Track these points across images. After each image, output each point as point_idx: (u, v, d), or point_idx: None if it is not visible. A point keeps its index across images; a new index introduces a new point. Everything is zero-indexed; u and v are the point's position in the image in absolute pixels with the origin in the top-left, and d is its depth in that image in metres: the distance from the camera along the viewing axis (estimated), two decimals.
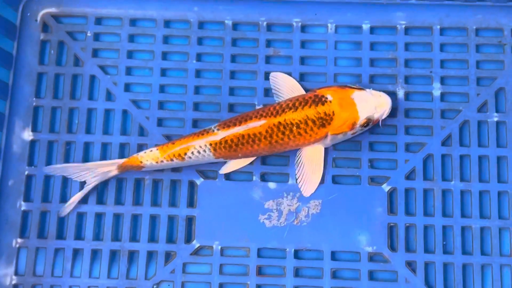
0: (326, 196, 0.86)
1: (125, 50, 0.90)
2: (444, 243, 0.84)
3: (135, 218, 0.86)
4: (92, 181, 0.83)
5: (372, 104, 0.81)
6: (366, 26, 0.90)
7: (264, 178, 0.87)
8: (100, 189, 0.86)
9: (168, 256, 0.85)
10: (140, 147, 0.87)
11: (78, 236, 0.85)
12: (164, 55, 0.90)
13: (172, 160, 0.82)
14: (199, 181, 0.86)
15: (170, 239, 0.85)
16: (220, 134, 0.81)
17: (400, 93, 0.88)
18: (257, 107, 0.88)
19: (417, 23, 0.90)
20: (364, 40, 0.90)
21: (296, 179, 0.85)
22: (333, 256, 0.84)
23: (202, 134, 0.82)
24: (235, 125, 0.81)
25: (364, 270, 0.83)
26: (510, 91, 0.87)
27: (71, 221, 0.85)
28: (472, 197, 0.85)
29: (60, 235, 0.85)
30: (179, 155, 0.82)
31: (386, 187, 0.85)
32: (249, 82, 0.89)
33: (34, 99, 0.89)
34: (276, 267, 0.84)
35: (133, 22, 0.92)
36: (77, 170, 0.83)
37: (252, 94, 0.89)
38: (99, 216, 0.86)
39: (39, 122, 0.88)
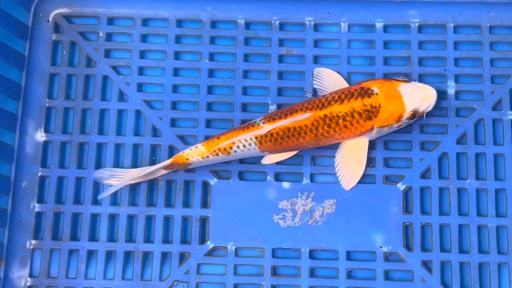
0: (341, 195, 0.85)
1: (137, 50, 0.90)
2: (460, 242, 0.83)
3: (149, 219, 0.85)
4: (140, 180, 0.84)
5: (418, 96, 0.80)
6: (379, 25, 0.90)
7: (278, 177, 0.86)
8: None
9: (182, 257, 0.84)
10: (153, 148, 0.87)
11: (92, 237, 0.85)
12: (177, 55, 0.90)
13: (218, 155, 0.82)
14: (212, 181, 0.86)
15: (184, 240, 0.85)
16: (266, 128, 0.80)
17: None
18: (271, 107, 0.87)
19: (431, 21, 0.90)
20: (377, 39, 0.90)
21: (337, 172, 0.84)
22: (348, 256, 0.84)
23: (248, 128, 0.81)
24: (280, 118, 0.81)
25: (380, 270, 0.83)
26: None
27: (85, 222, 0.85)
28: (488, 196, 0.84)
29: (74, 237, 0.85)
30: (225, 149, 0.81)
31: (401, 186, 0.85)
32: (262, 81, 0.89)
33: (46, 100, 0.88)
34: (291, 267, 0.84)
35: (145, 22, 0.91)
36: (125, 175, 0.83)
37: (266, 93, 0.89)
38: (113, 217, 0.85)
39: (51, 123, 0.88)
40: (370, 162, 0.86)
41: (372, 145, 0.86)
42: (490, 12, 0.90)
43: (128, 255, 0.84)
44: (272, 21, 0.91)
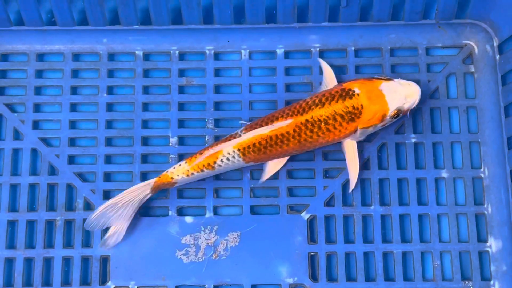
0: (244, 227, 0.83)
1: (32, 86, 0.87)
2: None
3: (47, 261, 0.82)
4: (132, 213, 0.80)
5: (401, 94, 0.79)
6: (280, 51, 0.89)
7: (180, 212, 0.84)
8: (10, 231, 0.83)
9: None
10: (51, 187, 0.84)
11: None
12: (74, 90, 0.88)
13: (202, 170, 0.80)
14: None
15: (85, 281, 0.82)
16: (242, 136, 0.79)
17: None
18: (171, 139, 0.85)
19: (331, 46, 0.89)
20: (278, 65, 0.88)
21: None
22: None
23: (229, 140, 0.79)
24: (261, 126, 0.79)
25: None
26: (427, 111, 0.86)
27: None
28: (392, 221, 0.83)
29: None
30: (209, 164, 0.79)
31: (305, 215, 0.84)
32: (162, 113, 0.87)
33: None
34: None
35: (40, 56, 0.89)
36: (112, 207, 0.79)
37: (166, 125, 0.87)
38: (9, 261, 0.82)
39: None
40: (273, 192, 0.84)
41: (275, 174, 0.85)
42: (390, 34, 0.89)
43: None
44: (171, 51, 0.89)
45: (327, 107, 0.79)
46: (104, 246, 0.81)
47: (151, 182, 0.80)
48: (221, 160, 0.79)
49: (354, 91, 0.79)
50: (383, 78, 0.80)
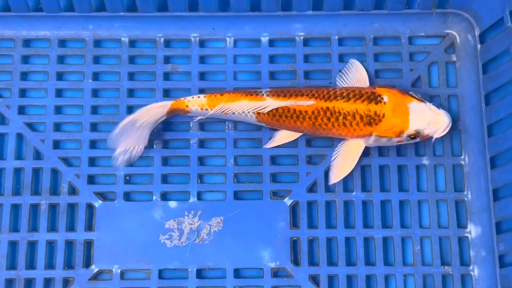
0: (228, 212, 0.84)
1: (18, 72, 0.88)
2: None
3: (32, 245, 0.83)
4: (147, 132, 0.82)
5: (426, 118, 0.78)
6: (264, 39, 0.90)
7: (164, 197, 0.85)
8: None
9: (66, 283, 0.82)
10: (36, 172, 0.85)
11: None
12: (59, 76, 0.88)
13: (217, 111, 0.81)
14: (97, 203, 0.84)
15: (68, 265, 0.83)
16: (268, 101, 0.80)
17: None
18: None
19: (316, 34, 0.90)
20: (263, 53, 0.89)
21: (331, 166, 0.84)
22: (236, 273, 0.83)
23: (252, 95, 0.81)
24: (285, 96, 0.80)
25: (268, 286, 0.82)
26: None
27: None
28: (373, 207, 0.84)
29: None
30: (224, 109, 0.81)
31: (288, 201, 0.84)
32: (148, 100, 0.87)
33: None
34: None
35: (26, 42, 0.89)
36: (131, 124, 0.81)
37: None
38: None
39: None
40: (257, 178, 0.85)
41: (259, 160, 0.86)
42: (373, 23, 0.90)
43: (10, 283, 0.82)
44: (157, 38, 0.89)
45: (352, 103, 0.79)
46: (116, 163, 0.82)
47: (167, 104, 0.82)
48: (236, 110, 0.81)
49: (382, 98, 0.79)
50: (416, 97, 0.80)
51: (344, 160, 0.83)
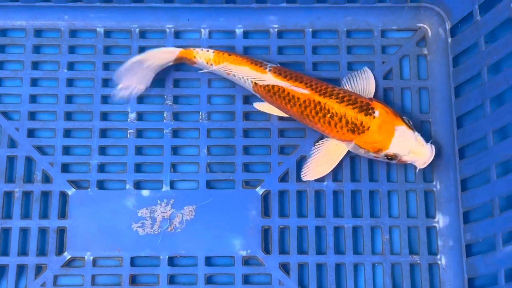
0: (200, 201, 0.85)
1: None
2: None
3: (5, 232, 0.84)
4: (151, 75, 0.85)
5: (408, 146, 0.79)
6: (239, 31, 0.91)
7: (137, 186, 0.86)
8: None
9: (39, 269, 0.83)
10: (10, 159, 0.86)
11: None
12: (35, 65, 0.89)
13: (219, 69, 0.84)
14: (70, 191, 0.85)
15: (42, 252, 0.84)
16: (268, 76, 0.82)
17: None
18: (130, 115, 0.87)
19: (290, 27, 0.91)
20: (237, 45, 0.90)
21: (308, 161, 0.84)
22: (208, 261, 0.84)
23: (256, 65, 0.83)
24: (285, 77, 0.82)
25: (239, 274, 0.83)
26: (380, 91, 0.89)
27: None
28: (344, 197, 0.85)
29: None
30: (226, 69, 0.84)
31: (260, 190, 0.85)
32: None
33: None
34: (149, 275, 0.84)
35: (2, 32, 0.90)
36: (139, 63, 0.84)
37: (125, 101, 0.88)
38: None
39: None
40: (229, 167, 0.86)
41: (231, 150, 0.87)
42: (347, 16, 0.91)
43: None
44: (132, 29, 0.90)
45: (343, 106, 0.80)
46: (115, 96, 0.85)
47: (176, 50, 0.85)
48: (236, 75, 0.84)
49: (373, 112, 0.80)
50: (407, 123, 0.80)
51: (325, 159, 0.84)
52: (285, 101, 0.82)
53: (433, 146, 0.79)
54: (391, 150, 0.79)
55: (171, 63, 0.86)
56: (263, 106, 0.86)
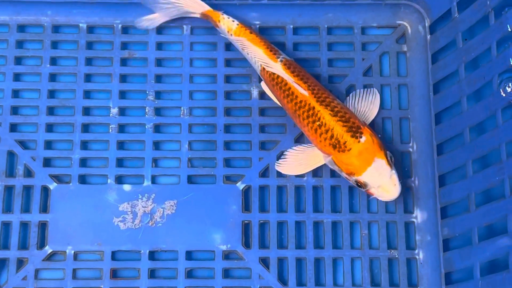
0: (181, 196, 0.86)
1: None
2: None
3: None
4: (174, 14, 0.89)
5: (379, 181, 0.79)
6: None
7: (119, 180, 0.87)
8: None
9: (21, 263, 0.83)
10: None
11: None
12: (17, 60, 0.89)
13: (236, 42, 0.86)
14: (52, 186, 0.85)
15: (23, 246, 0.84)
16: (277, 66, 0.83)
17: (255, 93, 0.89)
18: (112, 110, 0.87)
19: (271, 23, 0.92)
20: (219, 41, 0.91)
21: (286, 155, 0.85)
22: (188, 255, 0.84)
23: (270, 51, 0.84)
24: (292, 72, 0.83)
25: (219, 268, 0.84)
26: (360, 87, 0.89)
27: None
28: (324, 192, 0.86)
29: None
30: (242, 43, 0.85)
31: (240, 185, 0.86)
32: (104, 85, 0.89)
33: None
34: (130, 269, 0.84)
35: None
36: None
37: (108, 97, 0.89)
38: None
39: None
40: (210, 162, 0.87)
41: (212, 145, 0.87)
42: (327, 13, 0.92)
43: None
44: (115, 25, 0.91)
45: (334, 120, 0.80)
46: (139, 24, 0.89)
47: (205, 7, 0.88)
48: (249, 53, 0.85)
49: (360, 137, 0.80)
50: (388, 159, 0.79)
51: (301, 161, 0.85)
52: (284, 94, 0.83)
53: (400, 185, 0.80)
54: (363, 178, 0.79)
55: (195, 15, 0.88)
56: (267, 89, 0.87)
